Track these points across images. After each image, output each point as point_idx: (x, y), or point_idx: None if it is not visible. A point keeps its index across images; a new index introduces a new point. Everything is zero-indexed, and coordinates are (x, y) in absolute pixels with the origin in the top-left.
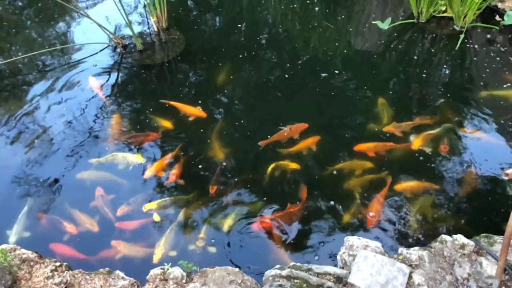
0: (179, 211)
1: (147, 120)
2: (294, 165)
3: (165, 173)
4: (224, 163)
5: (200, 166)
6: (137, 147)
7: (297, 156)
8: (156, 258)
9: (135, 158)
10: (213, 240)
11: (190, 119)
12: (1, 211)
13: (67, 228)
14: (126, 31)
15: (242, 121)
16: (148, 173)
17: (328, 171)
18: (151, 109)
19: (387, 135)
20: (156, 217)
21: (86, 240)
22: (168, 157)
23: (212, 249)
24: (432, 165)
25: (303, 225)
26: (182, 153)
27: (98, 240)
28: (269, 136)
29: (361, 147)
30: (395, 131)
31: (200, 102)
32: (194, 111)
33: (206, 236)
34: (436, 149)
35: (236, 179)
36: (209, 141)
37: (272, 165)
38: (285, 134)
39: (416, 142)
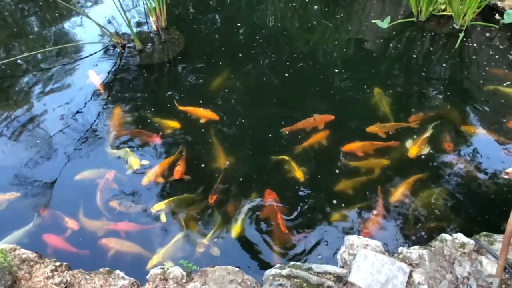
0: (184, 212)
1: (148, 120)
2: (299, 174)
3: (166, 174)
4: (227, 163)
5: (202, 166)
6: (138, 147)
7: (299, 155)
8: (150, 264)
9: (134, 163)
10: (214, 240)
11: (202, 121)
12: (1, 212)
13: (68, 224)
14: (126, 31)
15: (243, 121)
16: (146, 180)
17: (330, 170)
18: (152, 109)
19: (390, 133)
20: (163, 218)
21: (82, 235)
22: (170, 159)
23: (213, 249)
24: (431, 163)
25: (303, 224)
26: (183, 153)
27: (95, 236)
28: (269, 134)
29: (349, 147)
30: (379, 132)
31: (200, 102)
32: (206, 114)
33: (208, 242)
34: (435, 149)
35: (239, 179)
36: (210, 140)
37: (282, 156)
38: (310, 123)
39: (413, 150)
